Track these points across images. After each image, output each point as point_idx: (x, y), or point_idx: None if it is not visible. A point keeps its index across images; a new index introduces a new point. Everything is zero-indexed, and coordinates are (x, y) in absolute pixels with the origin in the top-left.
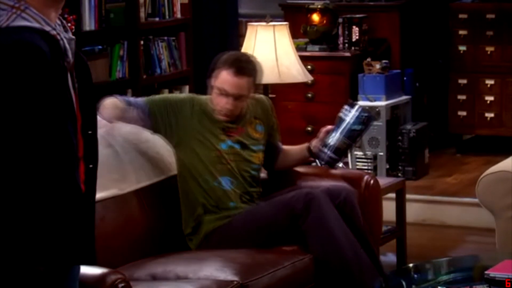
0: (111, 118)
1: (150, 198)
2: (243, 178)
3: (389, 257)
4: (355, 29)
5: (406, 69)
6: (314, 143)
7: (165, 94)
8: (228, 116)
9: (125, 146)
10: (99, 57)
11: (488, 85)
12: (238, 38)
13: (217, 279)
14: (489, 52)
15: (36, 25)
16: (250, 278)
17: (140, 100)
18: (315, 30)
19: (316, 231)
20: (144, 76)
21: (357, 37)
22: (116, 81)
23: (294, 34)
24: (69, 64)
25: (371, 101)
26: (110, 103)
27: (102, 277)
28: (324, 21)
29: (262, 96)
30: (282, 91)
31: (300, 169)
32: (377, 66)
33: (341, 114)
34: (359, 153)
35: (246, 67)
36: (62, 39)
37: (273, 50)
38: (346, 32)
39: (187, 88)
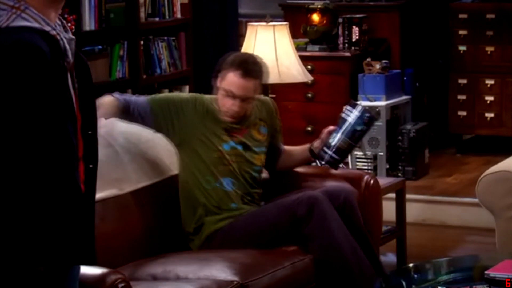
0: (106, 116)
1: (150, 198)
2: (244, 179)
3: (389, 257)
4: (355, 29)
5: (406, 69)
6: (316, 144)
7: (168, 93)
8: (234, 117)
9: (125, 146)
10: (99, 57)
11: (488, 85)
12: (238, 38)
13: (217, 279)
14: (489, 52)
15: (36, 25)
16: (250, 278)
17: (142, 98)
18: (315, 30)
19: (318, 234)
20: (144, 76)
21: (357, 37)
22: (116, 81)
23: (294, 34)
24: (69, 64)
25: (371, 101)
26: (106, 102)
27: (102, 277)
28: (324, 21)
29: (267, 97)
30: (282, 91)
31: (301, 169)
32: (377, 66)
33: (343, 115)
34: (359, 153)
35: (253, 69)
36: (62, 39)
37: (273, 50)
38: (346, 32)
39: (187, 88)
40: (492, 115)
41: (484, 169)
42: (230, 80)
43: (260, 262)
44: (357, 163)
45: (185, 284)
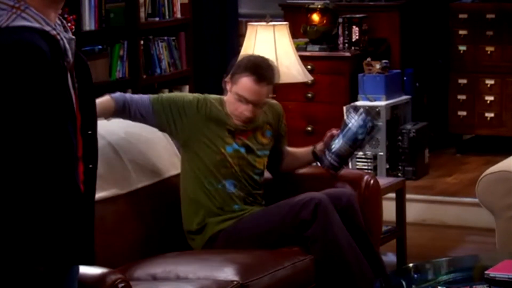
0: (101, 117)
1: (150, 198)
2: (246, 181)
3: (389, 257)
4: (355, 29)
5: (406, 69)
6: (319, 146)
7: (172, 94)
8: (246, 122)
9: (125, 146)
10: (99, 57)
11: (488, 85)
12: (238, 38)
13: (217, 279)
14: (489, 52)
15: (36, 25)
16: (250, 278)
17: (145, 98)
18: (315, 30)
19: (321, 236)
20: (144, 76)
21: (357, 37)
22: (116, 81)
23: (294, 34)
24: (69, 64)
25: (371, 101)
26: (99, 102)
27: (102, 277)
28: (324, 21)
29: (275, 101)
30: (282, 91)
31: (303, 171)
32: (377, 66)
33: (346, 120)
34: (359, 153)
35: (267, 74)
36: (62, 39)
37: (273, 50)
38: (346, 32)
39: (187, 88)
40: (492, 115)
41: (484, 169)
42: (244, 85)
43: (260, 262)
44: (357, 163)
45: (185, 284)
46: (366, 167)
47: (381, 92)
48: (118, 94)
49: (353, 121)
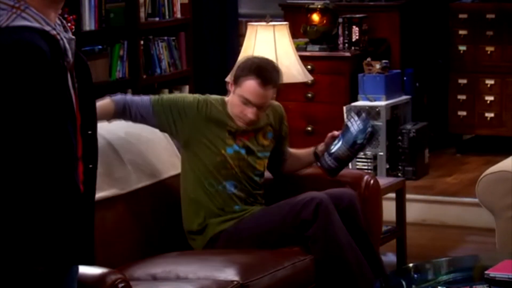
0: (101, 120)
1: (150, 198)
2: (247, 182)
3: (389, 257)
4: (355, 29)
5: (406, 69)
6: (320, 147)
7: (173, 95)
8: (249, 124)
9: (125, 146)
10: (99, 57)
11: (488, 85)
12: (238, 38)
13: (217, 279)
14: (489, 52)
15: (36, 25)
16: (251, 278)
17: (146, 99)
18: (315, 30)
19: (321, 236)
20: (144, 76)
21: (357, 37)
22: (116, 81)
23: (294, 34)
24: (69, 64)
25: (371, 101)
26: (98, 105)
27: (102, 277)
28: (324, 21)
29: (276, 102)
30: (282, 91)
31: (304, 171)
32: (377, 66)
33: (348, 123)
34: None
35: (272, 77)
36: (62, 39)
37: (273, 50)
38: (346, 32)
39: (187, 88)
40: (492, 115)
41: (484, 169)
42: (249, 88)
43: (260, 262)
44: (357, 163)
45: (185, 284)
46: (366, 167)
47: (381, 92)
48: (118, 96)
49: (354, 124)
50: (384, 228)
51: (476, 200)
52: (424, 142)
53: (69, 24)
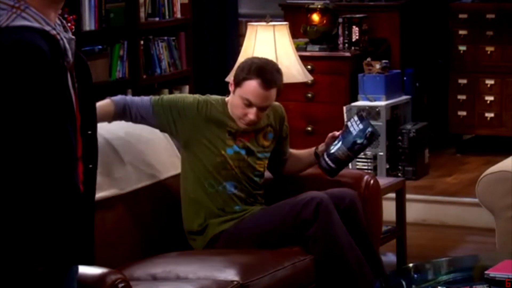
0: (101, 121)
1: (150, 198)
2: (247, 183)
3: (389, 257)
4: (355, 29)
5: (406, 69)
6: (321, 147)
7: (173, 95)
8: (250, 125)
9: (125, 146)
10: (99, 57)
11: (488, 85)
12: (238, 38)
13: (217, 279)
14: (489, 52)
15: (36, 24)
16: (251, 278)
17: (146, 100)
18: (315, 30)
19: (322, 236)
20: (144, 76)
21: (357, 37)
22: (116, 81)
23: (294, 34)
24: (68, 63)
25: (371, 101)
26: (99, 106)
27: (102, 277)
28: (324, 21)
29: (276, 103)
30: (282, 91)
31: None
32: (377, 66)
33: (348, 123)
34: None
35: (274, 78)
36: (62, 38)
37: (273, 50)
38: (346, 32)
39: (187, 88)
40: (492, 115)
41: (484, 169)
42: (251, 89)
43: (260, 262)
44: (357, 163)
45: (185, 284)
46: (366, 167)
47: (381, 92)
48: (118, 97)
49: (354, 125)
50: (384, 228)
51: (476, 200)
52: (424, 142)
53: (69, 24)
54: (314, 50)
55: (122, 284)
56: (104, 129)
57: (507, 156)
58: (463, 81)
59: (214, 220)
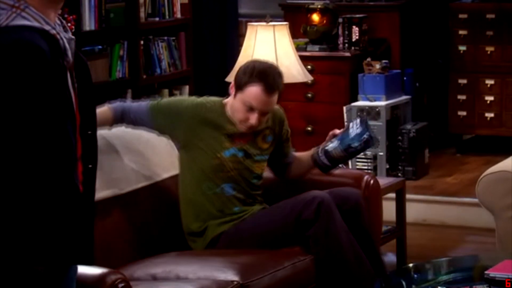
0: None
1: (150, 198)
2: (245, 184)
3: (389, 257)
4: (355, 29)
5: (406, 69)
6: (321, 146)
7: (171, 99)
8: (251, 129)
9: (125, 146)
10: (99, 57)
11: (488, 85)
12: (238, 38)
13: (217, 279)
14: (489, 52)
15: (36, 24)
16: (251, 278)
17: (143, 104)
18: (315, 30)
19: (323, 236)
20: (144, 76)
21: (357, 37)
22: (116, 81)
23: (294, 34)
24: (68, 63)
25: (371, 101)
26: (100, 113)
27: (102, 277)
28: (324, 21)
29: (276, 106)
30: (282, 93)
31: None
32: (377, 66)
33: (350, 124)
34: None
35: (275, 83)
36: (61, 38)
37: (273, 50)
38: (346, 32)
39: (187, 88)
40: (492, 115)
41: (484, 169)
42: (253, 94)
43: (261, 262)
44: (357, 163)
45: (185, 284)
46: (366, 167)
47: (381, 92)
48: (116, 103)
49: (354, 128)
50: (384, 228)
51: (476, 200)
52: (424, 142)
53: (69, 24)
54: (314, 50)
55: (122, 284)
56: (104, 129)
57: (507, 156)
58: (463, 81)
59: (213, 221)
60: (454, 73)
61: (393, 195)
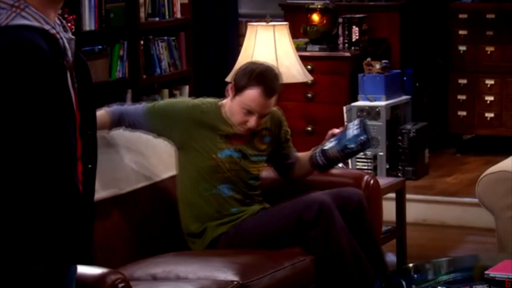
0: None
1: (150, 198)
2: (242, 185)
3: (389, 257)
4: (355, 29)
5: (406, 69)
6: (320, 145)
7: (167, 101)
8: (250, 131)
9: (125, 146)
10: (99, 57)
11: (488, 85)
12: (238, 38)
13: (217, 279)
14: (489, 52)
15: (35, 23)
16: (251, 279)
17: (139, 108)
18: (315, 30)
19: (323, 238)
20: (144, 76)
21: (357, 37)
22: (116, 81)
23: (294, 34)
24: (68, 63)
25: (371, 101)
26: (98, 118)
27: (102, 277)
28: (324, 21)
29: (274, 108)
30: (282, 91)
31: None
32: (377, 66)
33: (349, 125)
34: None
35: (274, 86)
36: (61, 38)
37: (273, 50)
38: (346, 32)
39: (187, 88)
40: (492, 115)
41: (484, 169)
42: (252, 97)
43: (261, 262)
44: (357, 163)
45: (185, 284)
46: (366, 167)
47: (381, 92)
48: (114, 108)
49: (352, 128)
50: (384, 228)
51: (476, 200)
52: (424, 142)
53: (69, 24)
54: (314, 50)
55: (122, 284)
56: (103, 133)
57: (507, 156)
58: (463, 81)
59: (212, 223)
60: (454, 73)
61: (393, 195)
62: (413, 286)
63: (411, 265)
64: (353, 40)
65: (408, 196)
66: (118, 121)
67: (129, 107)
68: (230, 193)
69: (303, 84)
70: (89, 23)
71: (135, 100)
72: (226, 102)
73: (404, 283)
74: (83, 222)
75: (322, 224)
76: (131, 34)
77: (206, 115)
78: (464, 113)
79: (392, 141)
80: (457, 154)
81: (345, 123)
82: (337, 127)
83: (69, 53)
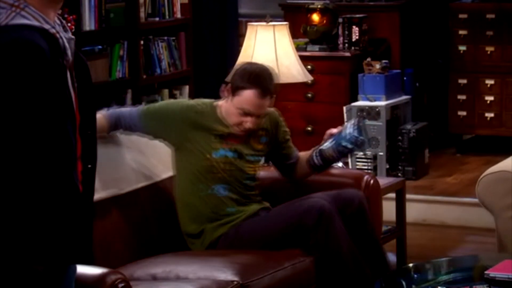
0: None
1: (150, 198)
2: (237, 185)
3: (389, 257)
4: (355, 29)
5: (406, 69)
6: (319, 145)
7: (162, 103)
8: (247, 132)
9: (125, 146)
10: (99, 57)
11: (488, 85)
12: (238, 38)
13: (217, 279)
14: (489, 52)
15: (35, 23)
16: (251, 279)
17: (134, 111)
18: (315, 30)
19: (323, 242)
20: (144, 76)
21: (357, 37)
22: (116, 81)
23: (294, 34)
24: (68, 62)
25: (371, 101)
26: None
27: (102, 277)
28: (324, 21)
29: (270, 109)
30: (282, 91)
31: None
32: (377, 66)
33: (348, 125)
34: (359, 153)
35: (270, 86)
36: (61, 37)
37: (273, 50)
38: (346, 32)
39: (187, 88)
40: (492, 115)
41: (484, 169)
42: (247, 98)
43: (261, 262)
44: (357, 163)
45: (185, 284)
46: (366, 167)
47: (381, 92)
48: (110, 111)
49: (349, 127)
50: (384, 228)
51: (476, 200)
52: (424, 142)
53: (69, 24)
54: (314, 50)
55: (122, 284)
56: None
57: (507, 156)
58: (463, 81)
59: (210, 224)
60: (454, 73)
61: (393, 195)
62: (413, 286)
63: (411, 265)
64: (353, 40)
65: (408, 196)
66: (115, 125)
67: (125, 110)
68: (226, 193)
69: (303, 84)
70: (89, 23)
71: (135, 100)
72: (222, 102)
73: (404, 283)
74: (82, 222)
75: (322, 228)
76: (131, 34)
77: (200, 115)
78: (464, 113)
79: (392, 141)
80: (457, 154)
81: (346, 123)
82: (337, 127)
83: (69, 53)
